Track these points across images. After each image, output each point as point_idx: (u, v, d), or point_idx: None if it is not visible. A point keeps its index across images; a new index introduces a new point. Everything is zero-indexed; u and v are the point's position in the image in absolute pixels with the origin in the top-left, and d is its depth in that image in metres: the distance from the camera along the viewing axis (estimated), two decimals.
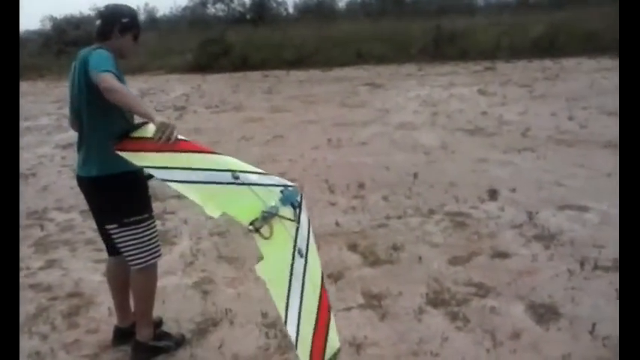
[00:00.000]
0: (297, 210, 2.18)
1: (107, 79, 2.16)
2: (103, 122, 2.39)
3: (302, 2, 28.81)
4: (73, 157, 2.61)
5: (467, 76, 12.74)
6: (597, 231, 3.88)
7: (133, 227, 2.45)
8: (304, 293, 2.09)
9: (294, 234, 2.14)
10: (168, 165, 2.14)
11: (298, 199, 2.20)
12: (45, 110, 11.32)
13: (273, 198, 2.14)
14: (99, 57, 2.27)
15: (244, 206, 2.10)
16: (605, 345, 2.58)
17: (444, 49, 15.99)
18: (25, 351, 2.75)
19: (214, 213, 2.07)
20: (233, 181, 2.12)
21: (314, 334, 2.07)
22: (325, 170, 5.74)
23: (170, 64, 18.13)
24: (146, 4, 33.43)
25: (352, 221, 4.34)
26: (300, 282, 2.09)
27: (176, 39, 20.77)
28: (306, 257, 2.14)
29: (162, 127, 2.11)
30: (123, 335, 2.77)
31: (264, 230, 2.07)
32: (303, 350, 2.03)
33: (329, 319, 2.16)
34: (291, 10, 28.97)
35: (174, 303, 3.17)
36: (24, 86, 15.28)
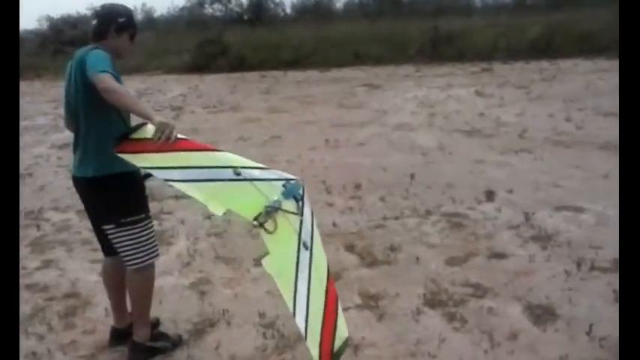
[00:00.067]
0: (300, 203, 2.18)
1: (105, 80, 2.15)
2: (99, 122, 2.39)
3: (299, 3, 28.85)
4: (69, 157, 2.61)
5: (464, 77, 12.76)
6: (594, 232, 3.89)
7: (130, 227, 2.44)
8: (311, 285, 2.10)
9: (298, 227, 2.15)
10: (170, 165, 2.14)
11: (300, 192, 2.20)
12: (41, 110, 11.30)
13: (275, 192, 2.14)
14: (96, 57, 2.26)
15: (247, 202, 2.11)
16: (603, 346, 2.58)
17: (441, 50, 16.02)
18: (22, 351, 2.74)
19: (218, 210, 2.08)
20: (235, 177, 2.13)
21: (323, 324, 2.08)
22: (322, 171, 5.74)
23: (167, 64, 18.13)
24: (143, 4, 33.41)
25: (349, 222, 4.34)
26: (307, 274, 2.10)
27: (173, 39, 20.78)
28: (311, 249, 2.15)
29: (161, 127, 2.10)
30: (120, 336, 2.76)
31: (269, 225, 2.08)
32: (313, 341, 2.04)
33: (336, 309, 2.17)
34: (288, 10, 29.03)
35: (171, 303, 3.17)
36: (21, 86, 15.20)
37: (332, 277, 2.26)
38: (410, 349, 2.63)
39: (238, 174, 2.13)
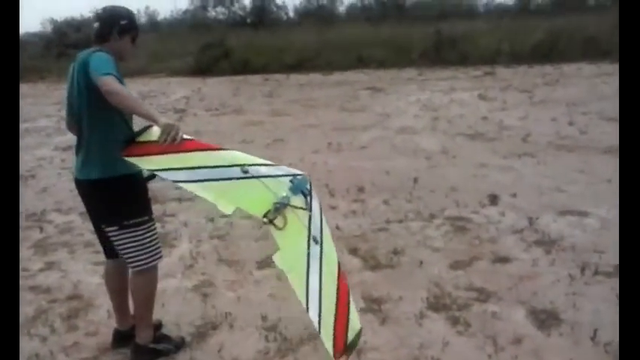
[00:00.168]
0: (308, 198, 2.19)
1: (109, 82, 2.15)
2: (102, 124, 2.39)
3: (302, 6, 28.96)
4: (72, 159, 2.60)
5: (467, 81, 12.76)
6: (598, 236, 3.87)
7: (134, 229, 2.44)
8: (323, 279, 2.11)
9: (307, 222, 2.16)
10: (177, 166, 2.15)
11: (308, 187, 2.21)
12: (45, 112, 11.31)
13: (283, 188, 2.16)
14: (100, 60, 2.26)
15: (256, 199, 2.12)
16: (607, 351, 2.56)
17: (444, 53, 16.03)
18: (25, 353, 2.74)
19: (227, 209, 2.09)
20: (243, 175, 2.15)
21: (335, 317, 2.09)
22: (325, 174, 5.73)
23: (171, 67, 18.16)
24: (147, 8, 33.57)
25: (353, 225, 4.33)
26: (318, 268, 2.12)
27: (177, 42, 20.79)
28: (321, 244, 2.17)
29: (166, 129, 2.11)
30: (122, 338, 2.75)
31: (278, 221, 2.10)
32: (326, 334, 2.05)
33: (348, 302, 2.18)
34: (291, 14, 29.14)
35: (173, 306, 3.16)
36: (24, 88, 15.28)
37: (342, 271, 2.27)
38: (413, 353, 2.62)
39: (246, 172, 2.15)
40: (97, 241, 2.74)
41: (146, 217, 2.49)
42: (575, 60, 14.30)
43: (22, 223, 4.70)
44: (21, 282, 3.55)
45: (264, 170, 2.19)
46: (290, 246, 2.11)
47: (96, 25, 2.47)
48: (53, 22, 25.28)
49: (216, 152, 2.23)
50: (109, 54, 2.34)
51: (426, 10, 24.78)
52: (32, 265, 3.86)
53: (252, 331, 2.87)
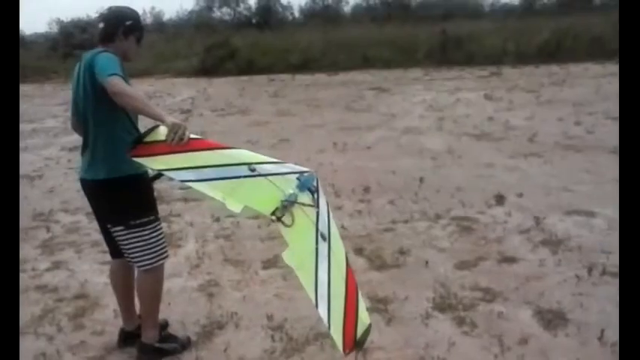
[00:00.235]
0: (315, 195, 2.20)
1: (116, 83, 2.16)
2: (108, 124, 2.39)
3: (308, 6, 28.96)
4: (79, 159, 2.61)
5: (473, 80, 12.73)
6: (605, 236, 3.85)
7: (140, 229, 2.44)
8: (331, 275, 2.13)
9: (314, 219, 2.18)
10: (185, 165, 2.16)
11: (315, 183, 2.22)
12: (51, 113, 11.37)
13: (290, 186, 2.17)
14: (106, 60, 2.27)
15: (264, 197, 2.14)
16: (614, 351, 2.55)
17: (450, 53, 16.01)
18: (31, 352, 2.75)
19: (236, 208, 2.10)
20: (250, 173, 2.16)
21: (345, 313, 2.11)
22: (331, 174, 5.73)
23: (176, 67, 18.21)
24: (152, 8, 33.57)
25: (358, 225, 4.33)
26: (327, 264, 2.13)
27: (182, 42, 20.88)
28: (329, 240, 2.18)
29: (173, 129, 2.11)
30: (128, 337, 2.76)
31: (286, 219, 2.11)
32: (336, 330, 2.06)
33: (357, 298, 2.19)
34: (297, 14, 29.16)
35: (179, 305, 3.17)
36: (31, 89, 15.38)
37: (350, 266, 2.28)
38: (419, 353, 2.62)
39: (253, 170, 2.16)
40: (103, 241, 2.75)
41: (152, 217, 2.50)
42: (581, 60, 14.25)
43: (29, 223, 4.72)
44: (28, 281, 3.58)
45: (270, 168, 2.20)
46: (298, 243, 2.12)
47: (101, 25, 2.48)
48: (60, 22, 25.46)
49: (224, 151, 2.23)
50: (115, 54, 2.34)
51: (431, 10, 24.77)
52: (39, 264, 3.88)
53: (257, 330, 2.87)
